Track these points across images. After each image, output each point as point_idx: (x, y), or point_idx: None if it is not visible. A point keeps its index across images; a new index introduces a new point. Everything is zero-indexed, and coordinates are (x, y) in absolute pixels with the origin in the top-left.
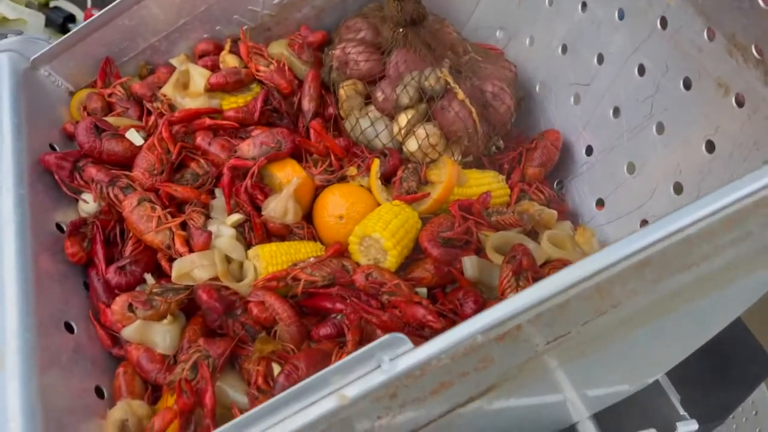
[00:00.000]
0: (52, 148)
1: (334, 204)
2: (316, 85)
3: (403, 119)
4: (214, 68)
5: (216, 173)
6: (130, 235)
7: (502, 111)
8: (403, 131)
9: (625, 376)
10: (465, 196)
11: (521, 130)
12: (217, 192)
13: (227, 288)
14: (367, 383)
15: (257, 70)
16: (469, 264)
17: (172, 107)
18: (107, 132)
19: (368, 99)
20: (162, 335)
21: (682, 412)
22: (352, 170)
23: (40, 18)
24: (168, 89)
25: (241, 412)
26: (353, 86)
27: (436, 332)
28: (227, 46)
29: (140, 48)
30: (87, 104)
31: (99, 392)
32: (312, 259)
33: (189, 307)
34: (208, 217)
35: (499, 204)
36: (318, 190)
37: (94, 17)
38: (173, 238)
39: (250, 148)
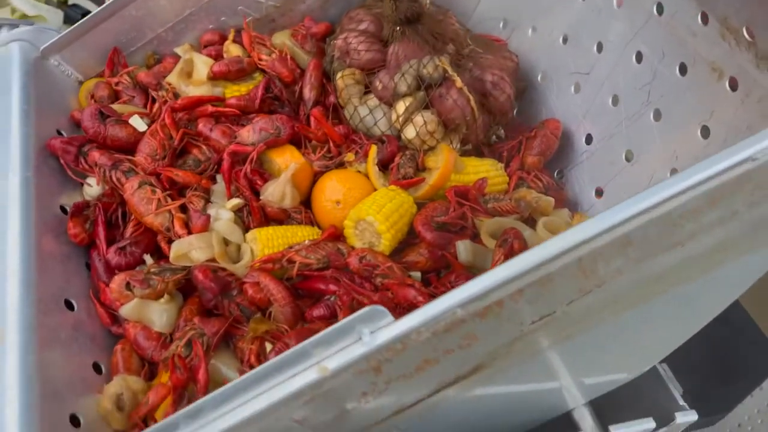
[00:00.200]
0: (60, 134)
1: (332, 189)
2: (318, 74)
3: (401, 107)
4: (218, 58)
5: (217, 159)
6: (132, 217)
7: (502, 100)
8: (401, 119)
9: (618, 363)
10: (462, 183)
11: (523, 120)
12: (219, 178)
13: (224, 269)
14: (347, 355)
15: (259, 59)
16: (463, 248)
17: (176, 96)
18: (111, 118)
19: (368, 88)
20: (159, 314)
21: (681, 402)
22: (349, 156)
23: (59, 15)
24: (173, 78)
25: None
26: (352, 75)
27: None
28: (231, 36)
29: (147, 38)
30: (94, 92)
31: (97, 368)
32: (307, 242)
33: (187, 288)
34: (208, 201)
35: (496, 191)
36: (317, 176)
37: (102, 7)
38: (172, 221)
39: (249, 134)
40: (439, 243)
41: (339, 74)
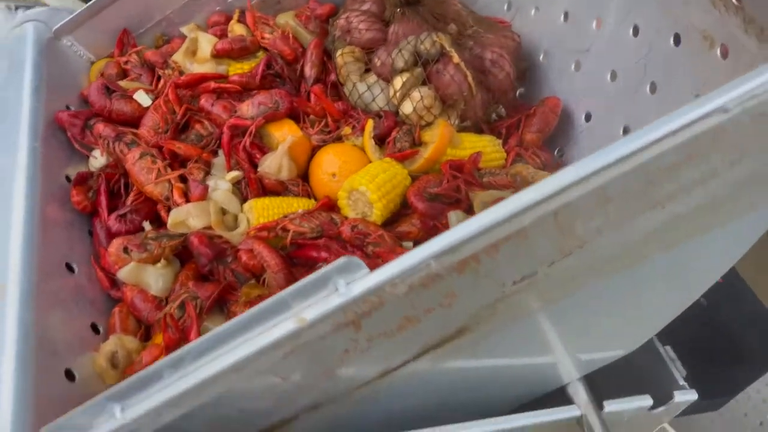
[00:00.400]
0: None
1: (328, 162)
2: (318, 53)
3: (398, 82)
4: (222, 37)
5: (219, 134)
6: (134, 188)
7: (501, 77)
8: (398, 94)
9: (611, 334)
10: (458, 158)
11: (527, 101)
12: (220, 152)
13: (220, 237)
14: (324, 306)
15: (262, 38)
16: (455, 218)
17: (182, 74)
18: (117, 93)
19: (368, 67)
20: (155, 278)
21: (681, 382)
22: (346, 130)
23: (79, 4)
24: (178, 56)
25: None
26: (351, 53)
27: None
28: (235, 16)
29: (156, 20)
30: (104, 71)
31: (95, 329)
32: (301, 211)
33: (184, 256)
34: (207, 173)
35: (493, 167)
36: (315, 151)
37: None
38: (172, 190)
39: (249, 108)
40: (431, 213)
41: (339, 52)
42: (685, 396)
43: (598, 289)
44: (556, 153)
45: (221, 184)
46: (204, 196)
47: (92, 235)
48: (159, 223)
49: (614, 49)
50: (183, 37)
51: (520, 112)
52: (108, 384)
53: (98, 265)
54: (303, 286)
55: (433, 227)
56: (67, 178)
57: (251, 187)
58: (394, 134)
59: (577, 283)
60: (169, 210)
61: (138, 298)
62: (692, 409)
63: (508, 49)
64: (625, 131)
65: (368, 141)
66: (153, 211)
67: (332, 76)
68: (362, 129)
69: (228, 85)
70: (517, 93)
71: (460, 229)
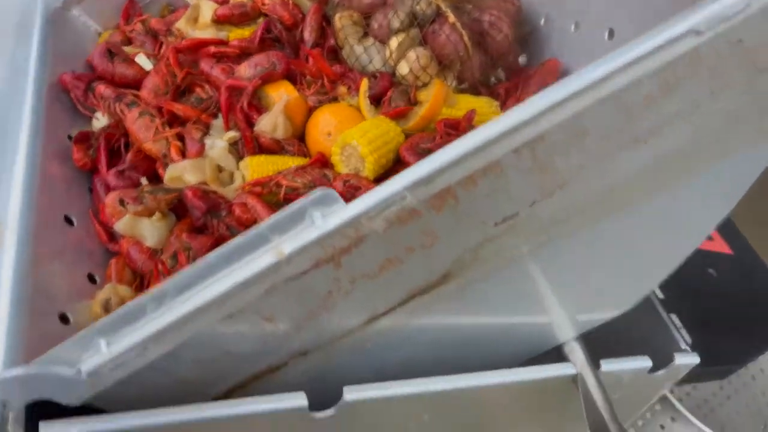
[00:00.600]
0: None
1: (325, 122)
2: (318, 18)
3: (394, 43)
4: (223, 4)
5: (219, 98)
6: (134, 147)
7: (499, 39)
8: (394, 55)
9: (605, 290)
10: (453, 117)
11: (529, 66)
12: (220, 116)
13: (215, 192)
14: (302, 239)
15: (262, 3)
16: None
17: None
18: (119, 56)
19: (367, 31)
20: (150, 230)
21: (683, 346)
22: (342, 90)
23: None
24: (181, 23)
25: None
26: (350, 17)
27: None
28: None
29: None
30: (109, 39)
31: (92, 279)
32: (294, 167)
33: (180, 211)
34: (206, 134)
35: None
36: (311, 112)
37: None
38: (169, 148)
39: (246, 69)
40: None
41: (337, 15)
42: (686, 359)
43: (586, 237)
44: None
45: (218, 142)
46: (201, 153)
47: (92, 192)
48: (158, 181)
49: (611, 6)
50: (188, 6)
51: (519, 76)
52: None
53: (97, 219)
54: (281, 219)
55: None
56: (69, 138)
57: (247, 145)
58: (389, 94)
59: (563, 229)
60: (166, 167)
61: (134, 249)
62: (697, 377)
63: (507, 12)
64: None
65: (363, 100)
66: (152, 169)
67: (331, 41)
68: (358, 89)
69: (227, 49)
70: (520, 60)
71: (434, 159)
